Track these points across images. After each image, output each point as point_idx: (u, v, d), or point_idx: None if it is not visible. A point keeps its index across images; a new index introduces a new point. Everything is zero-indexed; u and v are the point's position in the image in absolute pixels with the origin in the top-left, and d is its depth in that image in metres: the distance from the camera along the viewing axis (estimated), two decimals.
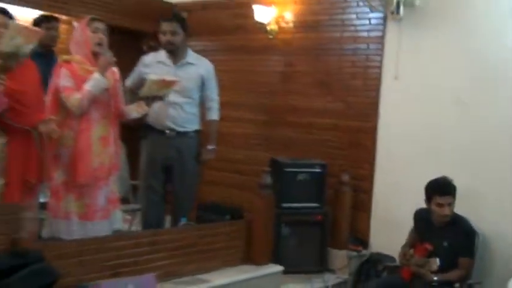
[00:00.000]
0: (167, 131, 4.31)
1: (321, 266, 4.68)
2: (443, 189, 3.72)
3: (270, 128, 5.48)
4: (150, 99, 3.76)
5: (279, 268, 4.16)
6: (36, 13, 4.87)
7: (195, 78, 4.34)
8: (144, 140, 4.43)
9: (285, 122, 5.37)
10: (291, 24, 5.32)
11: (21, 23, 3.28)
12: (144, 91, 3.72)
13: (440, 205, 3.71)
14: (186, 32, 4.30)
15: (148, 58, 4.44)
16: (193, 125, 4.39)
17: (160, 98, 3.83)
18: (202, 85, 4.39)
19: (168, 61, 4.33)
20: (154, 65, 4.31)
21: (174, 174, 4.38)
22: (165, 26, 4.26)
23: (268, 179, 4.13)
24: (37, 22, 4.61)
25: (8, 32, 2.88)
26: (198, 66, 4.39)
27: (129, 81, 4.30)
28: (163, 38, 4.28)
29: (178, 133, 4.32)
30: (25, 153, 3.25)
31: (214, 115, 4.47)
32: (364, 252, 4.70)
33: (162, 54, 4.39)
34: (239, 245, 4.06)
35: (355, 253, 4.68)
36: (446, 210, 3.71)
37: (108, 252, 3.24)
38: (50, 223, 3.59)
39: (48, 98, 3.52)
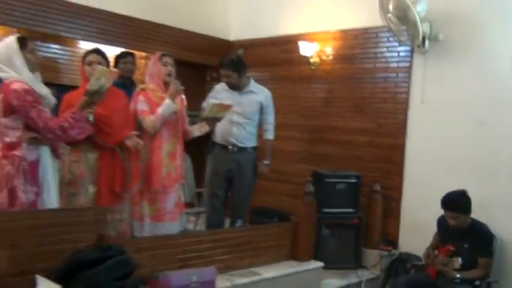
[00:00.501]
0: (230, 147, 4.35)
1: (356, 263, 4.60)
2: (446, 206, 3.63)
3: (313, 145, 5.45)
4: (210, 120, 3.80)
5: (319, 264, 4.10)
6: (119, 50, 5.02)
7: (255, 103, 4.38)
8: (210, 154, 4.48)
9: (326, 140, 5.33)
10: (330, 57, 5.31)
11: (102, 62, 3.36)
12: (206, 113, 3.78)
13: (446, 216, 3.62)
14: (238, 72, 4.30)
15: (219, 86, 4.50)
16: (251, 142, 4.41)
17: (219, 119, 3.86)
18: (261, 110, 4.42)
19: (233, 90, 4.37)
20: (222, 92, 4.37)
21: (233, 183, 4.40)
22: (222, 72, 4.34)
23: (311, 188, 4.09)
24: (117, 57, 4.77)
25: (94, 74, 2.97)
26: (258, 94, 4.42)
27: (205, 104, 4.37)
28: (223, 79, 4.38)
29: (239, 149, 4.34)
30: (112, 167, 3.31)
31: (270, 135, 4.49)
32: (393, 252, 4.59)
33: None
34: (286, 243, 4.03)
35: (386, 252, 4.58)
36: (451, 222, 3.61)
37: (176, 248, 3.26)
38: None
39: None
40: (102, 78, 2.95)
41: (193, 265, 3.29)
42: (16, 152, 2.81)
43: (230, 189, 4.44)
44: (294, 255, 4.04)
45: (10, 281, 2.39)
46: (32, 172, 2.85)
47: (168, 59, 3.68)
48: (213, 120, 3.81)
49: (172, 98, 3.55)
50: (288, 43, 5.61)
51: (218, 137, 4.36)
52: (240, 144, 4.34)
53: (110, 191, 3.30)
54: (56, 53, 5.25)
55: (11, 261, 2.41)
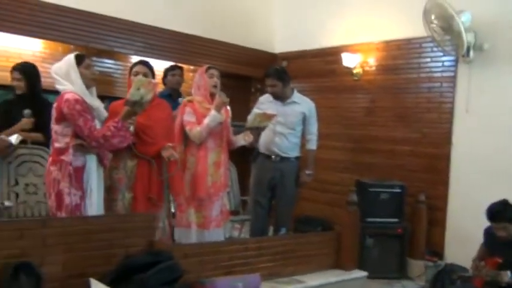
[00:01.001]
0: (273, 156, 4.33)
1: (400, 273, 4.48)
2: (493, 218, 3.44)
3: (355, 154, 5.38)
4: (254, 130, 3.78)
5: (363, 273, 4.00)
6: (169, 64, 5.11)
7: (298, 114, 4.35)
8: (254, 163, 4.48)
9: (369, 149, 5.25)
10: (373, 68, 5.25)
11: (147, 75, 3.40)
12: (250, 123, 3.78)
13: (495, 228, 3.46)
14: (283, 82, 4.30)
15: (263, 98, 4.50)
16: (294, 152, 4.37)
17: (263, 128, 3.84)
18: (304, 120, 4.38)
19: (277, 101, 4.36)
20: (266, 103, 4.37)
21: (276, 192, 4.38)
22: (267, 81, 4.34)
23: (354, 197, 4.01)
24: (166, 70, 4.84)
25: (133, 84, 3.01)
26: (302, 105, 4.39)
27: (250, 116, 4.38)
28: (268, 89, 4.37)
29: (282, 158, 4.32)
30: (149, 175, 3.32)
31: (313, 145, 4.45)
32: (439, 262, 4.43)
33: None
34: (329, 252, 3.96)
35: (431, 263, 4.43)
36: (501, 233, 3.43)
37: (222, 255, 3.25)
38: (176, 230, 3.71)
39: (175, 130, 3.67)
40: (142, 88, 2.98)
41: (238, 272, 3.27)
42: (63, 157, 2.95)
43: (273, 198, 4.42)
44: (338, 264, 3.97)
45: (65, 283, 2.45)
46: (76, 177, 2.96)
47: (214, 72, 3.71)
48: (256, 130, 3.80)
49: (218, 109, 3.57)
50: (331, 55, 5.58)
51: (262, 147, 4.36)
52: (282, 154, 4.32)
53: (146, 198, 3.31)
54: (110, 68, 5.41)
55: (66, 264, 2.47)
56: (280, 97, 4.34)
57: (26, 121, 3.65)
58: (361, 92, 5.38)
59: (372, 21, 5.25)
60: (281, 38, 6.25)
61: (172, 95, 4.58)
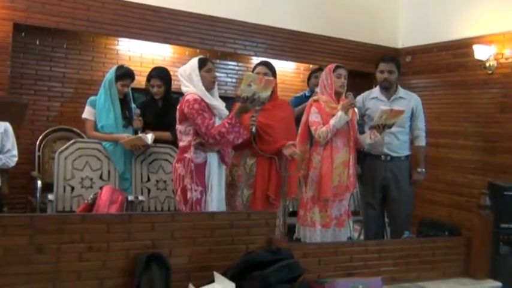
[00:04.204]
0: (382, 156, 4.15)
1: None
2: None
3: (488, 154, 4.99)
4: (381, 127, 3.67)
5: (497, 284, 3.67)
6: (289, 64, 5.16)
7: (407, 110, 4.09)
8: (364, 164, 4.34)
9: (504, 149, 4.84)
10: (510, 60, 4.83)
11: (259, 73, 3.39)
12: (376, 120, 3.66)
13: None
14: (399, 72, 4.13)
15: (364, 94, 4.31)
16: (404, 151, 4.16)
17: (390, 126, 3.71)
18: (412, 116, 4.17)
19: (382, 96, 4.16)
20: (368, 101, 4.19)
21: (390, 194, 4.20)
22: (383, 66, 4.11)
23: (487, 201, 3.71)
24: (311, 72, 4.94)
25: (243, 80, 3.01)
26: (409, 100, 4.16)
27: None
28: (380, 76, 4.13)
29: (392, 158, 4.13)
30: (268, 173, 3.39)
31: (422, 142, 4.21)
32: None
33: (376, 91, 4.25)
34: (458, 259, 3.69)
35: None
36: None
37: (342, 255, 3.19)
38: (298, 229, 3.74)
39: (300, 130, 3.73)
40: (253, 85, 2.96)
41: (358, 274, 3.19)
42: (186, 155, 3.13)
43: (386, 200, 4.25)
44: (467, 272, 3.69)
45: (191, 275, 2.58)
46: (198, 173, 3.12)
47: (342, 71, 3.68)
48: (383, 128, 3.68)
49: (346, 110, 3.56)
50: (460, 47, 5.28)
51: (370, 147, 4.19)
52: (393, 154, 4.12)
53: (264, 196, 3.37)
54: (232, 69, 5.62)
55: (192, 257, 2.60)
56: (389, 88, 4.13)
57: (136, 120, 3.90)
58: (494, 86, 4.99)
59: (507, 9, 4.82)
60: (405, 31, 6.02)
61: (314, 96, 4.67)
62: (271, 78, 3.23)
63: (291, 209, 4.39)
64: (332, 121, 3.55)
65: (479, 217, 3.70)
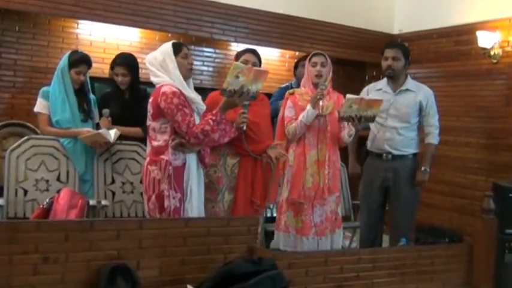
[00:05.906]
0: (384, 154, 4.19)
1: None
2: None
3: (492, 152, 5.08)
4: (356, 119, 3.49)
5: None
6: (273, 50, 5.16)
7: (413, 104, 4.15)
8: (364, 163, 4.38)
9: (509, 146, 4.92)
10: None
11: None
12: (343, 110, 3.49)
13: None
14: (407, 60, 4.15)
15: (369, 86, 4.39)
16: (410, 149, 4.19)
17: (370, 119, 3.58)
18: (421, 111, 4.18)
19: (388, 88, 4.20)
20: (373, 92, 4.23)
21: (391, 196, 4.24)
22: (388, 52, 4.13)
23: (491, 204, 3.77)
24: (297, 61, 4.89)
25: (230, 71, 2.94)
26: (417, 93, 4.17)
27: None
28: (384, 63, 4.16)
29: (394, 156, 4.16)
30: (252, 175, 3.37)
31: (432, 139, 4.22)
32: None
33: (382, 82, 4.30)
34: (459, 268, 3.75)
35: None
36: None
37: (332, 265, 3.21)
38: (276, 234, 3.76)
39: (277, 125, 3.74)
40: (241, 76, 2.89)
41: (350, 286, 3.22)
42: (163, 156, 3.00)
43: (388, 203, 4.29)
44: (469, 282, 3.76)
45: None
46: (176, 178, 3.00)
47: (317, 59, 3.66)
48: (359, 121, 3.50)
49: (313, 104, 3.53)
50: (462, 34, 5.36)
51: (371, 144, 4.24)
52: (395, 152, 4.15)
53: (248, 201, 3.36)
54: (208, 57, 5.60)
55: (162, 269, 2.59)
56: (395, 78, 4.15)
57: (104, 121, 3.75)
58: (500, 77, 5.08)
59: None
60: (402, 16, 6.09)
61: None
62: (262, 69, 3.14)
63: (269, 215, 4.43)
64: (300, 116, 3.54)
65: (483, 222, 3.76)
